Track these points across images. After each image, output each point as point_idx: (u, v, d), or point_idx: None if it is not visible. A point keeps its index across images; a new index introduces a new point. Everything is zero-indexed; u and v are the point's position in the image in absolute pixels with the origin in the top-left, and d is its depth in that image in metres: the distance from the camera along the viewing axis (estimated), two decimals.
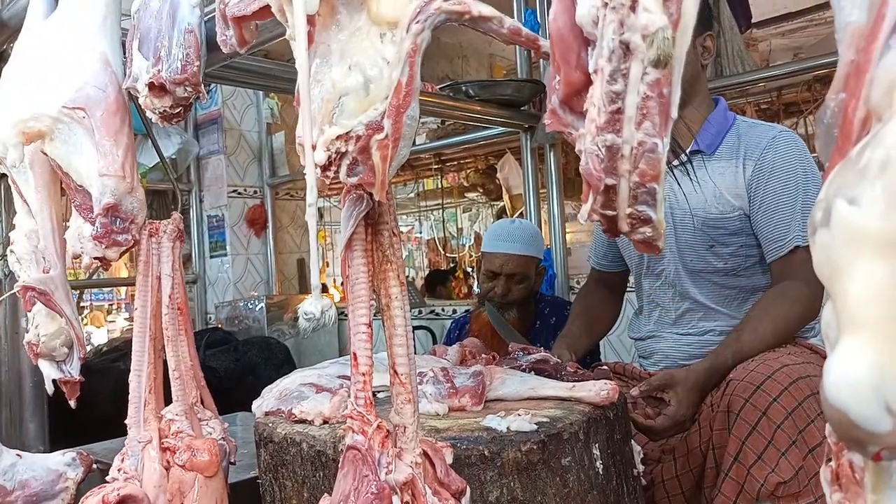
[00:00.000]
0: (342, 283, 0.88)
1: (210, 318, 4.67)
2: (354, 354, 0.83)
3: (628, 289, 2.07)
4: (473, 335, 2.25)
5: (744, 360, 1.50)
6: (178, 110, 1.09)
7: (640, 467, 1.31)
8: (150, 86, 1.08)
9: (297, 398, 1.25)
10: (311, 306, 0.74)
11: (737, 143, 1.71)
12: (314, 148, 0.71)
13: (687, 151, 1.70)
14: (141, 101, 1.10)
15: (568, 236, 4.05)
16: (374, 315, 0.85)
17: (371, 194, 0.80)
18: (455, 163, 6.26)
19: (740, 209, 1.67)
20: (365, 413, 0.82)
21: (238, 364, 3.35)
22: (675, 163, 1.68)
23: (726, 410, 1.41)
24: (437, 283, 6.99)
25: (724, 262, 1.71)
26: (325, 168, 0.73)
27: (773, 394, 1.36)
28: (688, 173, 1.69)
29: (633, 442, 1.32)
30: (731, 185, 1.68)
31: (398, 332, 0.85)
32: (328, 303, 0.75)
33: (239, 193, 4.66)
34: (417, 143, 5.29)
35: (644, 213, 0.63)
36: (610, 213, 0.64)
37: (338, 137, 0.72)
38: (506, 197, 5.90)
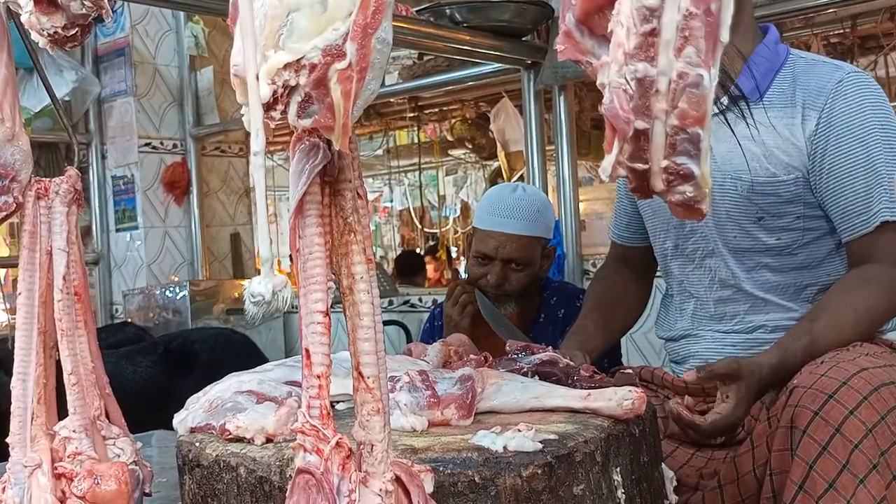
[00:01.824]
0: (291, 266, 0.87)
1: (116, 311, 4.65)
2: (307, 351, 0.83)
3: (659, 274, 2.09)
4: (459, 329, 2.25)
5: (816, 357, 1.52)
6: (73, 32, 1.07)
7: (673, 497, 1.33)
8: None
9: (231, 410, 1.25)
10: (260, 286, 0.73)
11: (792, 85, 1.71)
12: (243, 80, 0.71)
13: (730, 92, 1.70)
14: (24, 19, 1.08)
15: (581, 206, 4.07)
16: (334, 304, 0.85)
17: (329, 142, 0.80)
18: (436, 110, 6.24)
19: (798, 170, 1.68)
20: (320, 427, 0.82)
21: (157, 369, 3.30)
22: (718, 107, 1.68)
23: (789, 426, 1.42)
24: (412, 266, 7.00)
25: (776, 239, 1.72)
26: (268, 107, 0.72)
27: (850, 405, 1.37)
28: (738, 120, 1.68)
29: (663, 465, 1.34)
30: (786, 141, 1.68)
31: (364, 322, 0.85)
32: (282, 280, 0.74)
33: (154, 148, 4.61)
34: (387, 83, 5.26)
35: (684, 167, 0.63)
36: (640, 166, 0.64)
37: (286, 66, 0.71)
38: (501, 155, 5.90)
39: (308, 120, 0.73)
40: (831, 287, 1.68)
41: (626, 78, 0.60)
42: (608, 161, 0.64)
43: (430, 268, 8.09)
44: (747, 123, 1.67)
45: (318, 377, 0.83)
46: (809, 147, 1.67)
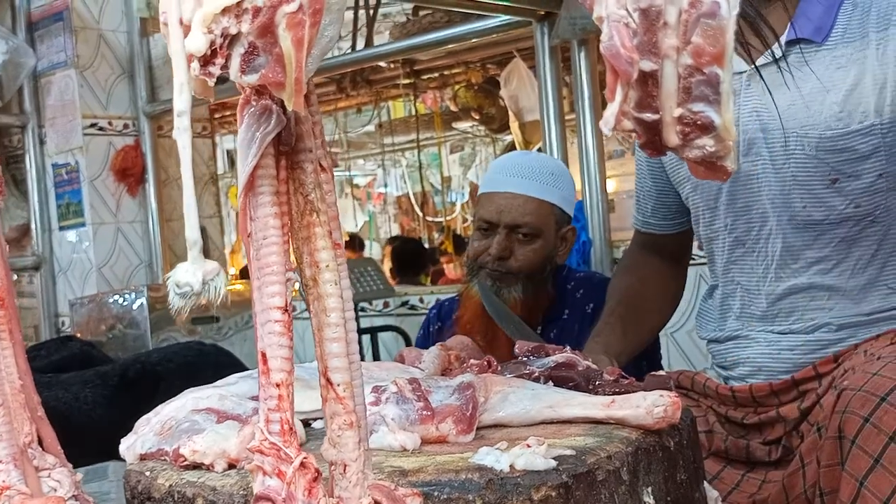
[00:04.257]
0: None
1: (63, 324, 4.66)
2: (263, 355, 0.82)
3: (697, 259, 2.08)
4: (463, 329, 2.24)
5: None
6: None
7: None
8: None
9: (187, 431, 1.25)
10: (187, 274, 0.73)
11: (861, 16, 1.67)
12: (186, 28, 0.70)
13: (782, 41, 1.68)
14: None
15: (610, 184, 4.06)
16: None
17: (284, 105, 0.79)
18: (435, 76, 6.25)
19: (877, 115, 1.64)
20: (281, 445, 0.81)
21: (113, 404, 3.21)
22: (763, 59, 1.67)
23: (837, 436, 1.42)
24: (412, 261, 7.00)
25: (854, 205, 1.69)
26: (206, 60, 0.71)
27: None
28: (801, 66, 1.65)
29: (706, 485, 1.33)
30: (859, 81, 1.65)
31: (332, 318, 0.84)
32: (213, 267, 0.74)
33: (101, 129, 4.62)
34: (377, 44, 5.26)
35: (702, 116, 0.62)
36: (649, 116, 0.64)
37: (224, 11, 0.71)
38: (514, 126, 5.90)
39: (254, 76, 0.73)
40: None
41: (627, 9, 0.60)
42: (610, 111, 0.63)
43: (446, 269, 8.09)
44: (793, 75, 1.65)
45: (278, 386, 0.82)
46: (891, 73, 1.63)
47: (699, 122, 0.61)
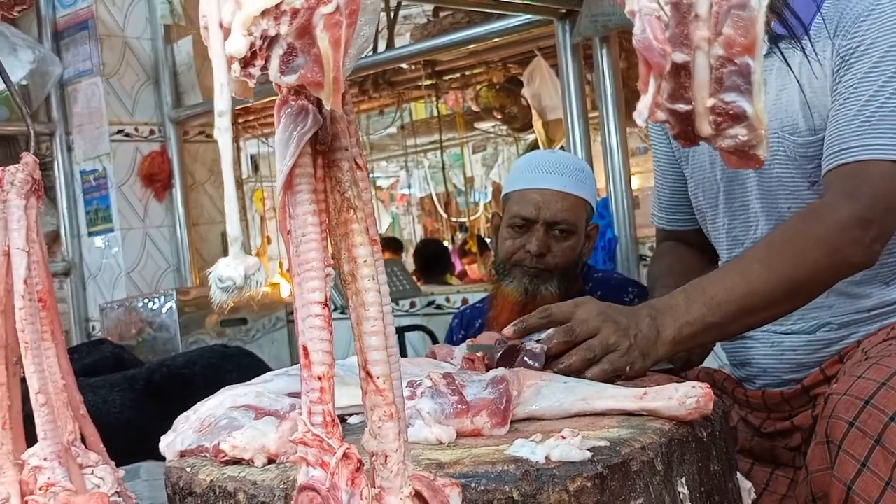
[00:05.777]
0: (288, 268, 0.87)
1: (93, 328, 4.70)
2: (305, 349, 0.84)
3: None
4: (500, 325, 2.24)
5: (715, 309, 1.46)
6: None
7: None
8: None
9: (226, 428, 1.26)
10: (229, 268, 0.74)
11: (833, 13, 1.63)
12: (226, 31, 0.72)
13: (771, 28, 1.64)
14: None
15: (634, 180, 4.06)
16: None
17: (320, 105, 0.81)
18: (458, 76, 6.25)
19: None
20: (324, 436, 0.83)
21: (137, 408, 3.23)
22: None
23: (825, 441, 1.42)
24: (436, 261, 7.00)
25: None
26: (246, 62, 0.73)
27: (890, 410, 1.36)
28: (781, 64, 1.63)
29: (739, 476, 1.34)
30: (815, 85, 1.63)
31: (370, 313, 0.86)
32: (254, 263, 0.76)
33: (128, 135, 4.66)
34: (399, 46, 5.28)
35: (734, 106, 0.63)
36: (682, 107, 0.65)
37: (264, 13, 0.72)
38: (538, 125, 5.90)
39: (293, 76, 0.74)
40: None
41: (659, 2, 0.61)
42: (644, 103, 0.64)
43: (468, 269, 8.07)
44: (790, 67, 1.62)
45: (320, 378, 0.84)
46: (832, 84, 1.60)
47: (731, 112, 0.62)
